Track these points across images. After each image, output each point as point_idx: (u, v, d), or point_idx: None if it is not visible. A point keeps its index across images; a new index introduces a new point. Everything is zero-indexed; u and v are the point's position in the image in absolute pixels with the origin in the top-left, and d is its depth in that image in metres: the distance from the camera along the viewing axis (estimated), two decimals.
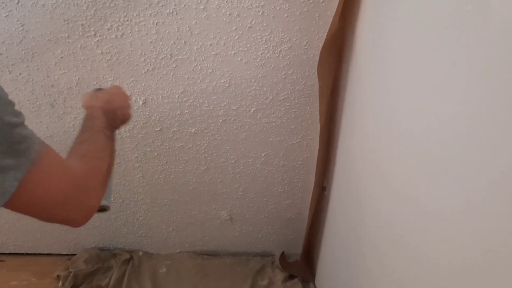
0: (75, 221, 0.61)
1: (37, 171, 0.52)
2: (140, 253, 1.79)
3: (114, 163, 0.75)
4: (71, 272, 1.61)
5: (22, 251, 1.78)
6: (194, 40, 1.15)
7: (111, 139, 0.76)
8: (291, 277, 1.67)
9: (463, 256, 0.50)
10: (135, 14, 1.10)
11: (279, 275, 1.67)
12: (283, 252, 1.77)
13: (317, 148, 1.32)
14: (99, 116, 0.75)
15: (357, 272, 1.07)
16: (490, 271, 0.45)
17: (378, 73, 0.86)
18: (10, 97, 0.50)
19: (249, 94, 1.26)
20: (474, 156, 0.47)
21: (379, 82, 0.85)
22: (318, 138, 1.30)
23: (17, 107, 0.51)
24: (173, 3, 1.08)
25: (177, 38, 1.15)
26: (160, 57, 1.19)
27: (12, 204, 0.51)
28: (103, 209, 0.83)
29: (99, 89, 0.90)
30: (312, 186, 1.43)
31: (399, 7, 0.74)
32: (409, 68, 0.69)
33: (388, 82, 0.80)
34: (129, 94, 1.26)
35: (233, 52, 1.17)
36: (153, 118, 1.33)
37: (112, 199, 0.80)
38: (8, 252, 1.77)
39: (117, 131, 0.83)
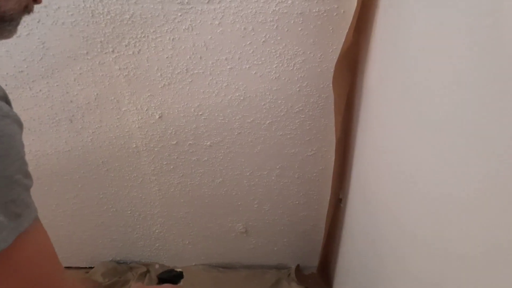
0: None
1: (22, 244, 0.47)
2: (157, 266, 1.79)
3: None
4: None
5: None
6: (209, 54, 1.16)
7: None
8: None
9: (491, 258, 0.50)
10: (151, 31, 1.12)
11: None
12: (298, 265, 1.76)
13: (332, 159, 1.32)
14: None
15: (376, 285, 1.05)
16: None
17: (393, 85, 0.86)
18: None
19: (264, 107, 1.27)
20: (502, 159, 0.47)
21: (394, 94, 0.85)
22: (333, 150, 1.30)
23: (30, 170, 0.48)
24: (189, 19, 1.10)
25: (193, 53, 1.16)
26: (176, 72, 1.20)
27: None
28: None
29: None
30: (328, 198, 1.42)
31: (415, 20, 0.74)
32: (425, 81, 0.69)
33: (403, 95, 0.80)
34: (145, 109, 1.29)
35: (247, 66, 1.18)
36: (169, 132, 1.35)
37: None
38: None
39: None
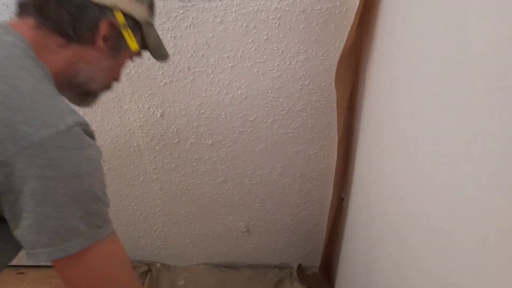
0: None
1: (97, 251, 0.55)
2: (158, 265, 1.79)
3: None
4: None
5: (42, 264, 1.80)
6: (211, 52, 1.16)
7: None
8: None
9: (483, 261, 0.49)
10: None
11: None
12: (300, 264, 1.75)
13: (334, 158, 1.31)
14: None
15: (378, 285, 1.05)
16: None
17: (395, 84, 0.86)
18: None
19: (266, 105, 1.27)
20: (500, 172, 0.46)
21: (397, 93, 0.85)
22: (335, 149, 1.29)
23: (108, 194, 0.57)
24: (191, 17, 1.09)
25: (195, 51, 1.16)
26: (178, 70, 1.20)
27: (61, 265, 0.55)
28: None
29: None
30: (330, 197, 1.42)
31: (418, 18, 0.73)
32: (428, 79, 0.68)
33: (406, 94, 0.79)
34: (146, 107, 1.28)
35: (249, 64, 1.18)
36: (171, 130, 1.34)
37: None
38: (28, 264, 1.79)
39: None
